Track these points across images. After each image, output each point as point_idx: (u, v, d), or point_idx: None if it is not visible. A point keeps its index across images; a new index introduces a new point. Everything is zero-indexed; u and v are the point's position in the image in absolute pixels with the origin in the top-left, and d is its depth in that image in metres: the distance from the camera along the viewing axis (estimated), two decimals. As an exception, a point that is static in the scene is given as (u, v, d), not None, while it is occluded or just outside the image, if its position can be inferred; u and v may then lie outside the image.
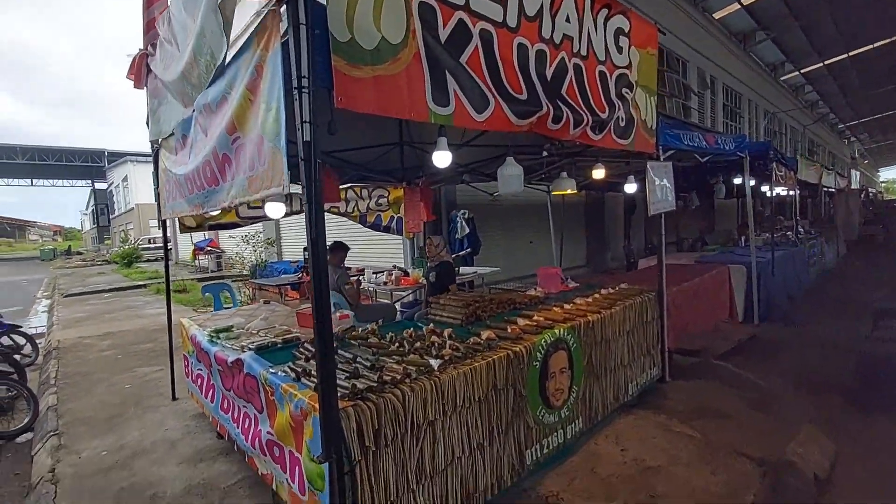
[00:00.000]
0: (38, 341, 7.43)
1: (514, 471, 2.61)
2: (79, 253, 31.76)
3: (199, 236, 17.69)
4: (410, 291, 5.98)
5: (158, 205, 4.05)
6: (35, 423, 4.04)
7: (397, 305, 5.89)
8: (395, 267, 6.38)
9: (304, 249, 9.00)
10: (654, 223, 4.21)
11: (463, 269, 7.06)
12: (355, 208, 6.05)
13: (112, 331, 7.26)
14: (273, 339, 2.87)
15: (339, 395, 1.94)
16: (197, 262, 16.66)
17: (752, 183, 6.27)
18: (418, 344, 2.64)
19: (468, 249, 8.18)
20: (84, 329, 7.56)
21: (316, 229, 1.74)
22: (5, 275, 20.27)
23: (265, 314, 3.95)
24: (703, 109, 16.18)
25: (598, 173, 4.44)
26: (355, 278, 5.28)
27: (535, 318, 3.20)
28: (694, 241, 10.97)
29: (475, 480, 2.37)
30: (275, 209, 3.99)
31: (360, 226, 6.50)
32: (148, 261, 22.76)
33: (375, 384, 2.04)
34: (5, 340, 6.01)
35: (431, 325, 3.07)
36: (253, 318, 3.66)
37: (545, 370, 2.84)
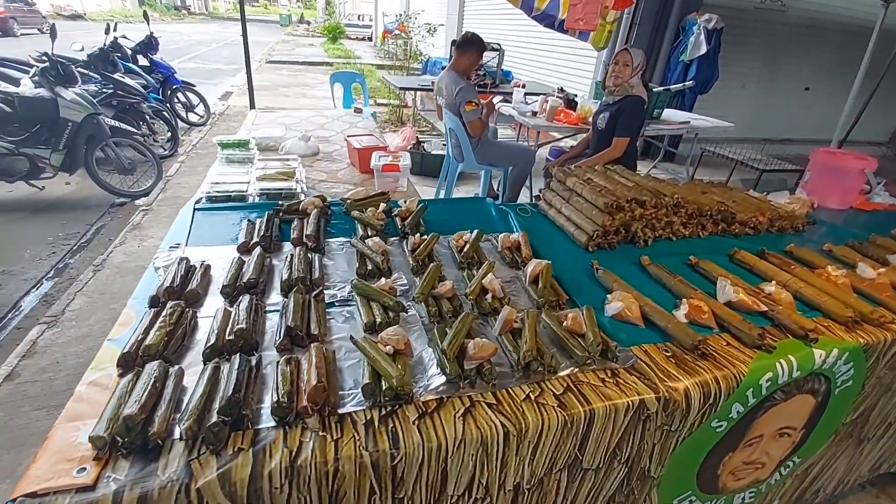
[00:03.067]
0: (224, 102, 8.05)
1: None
2: (308, 22, 34.59)
3: (390, 18, 16.64)
4: (567, 133, 4.06)
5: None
6: (153, 189, 4.10)
7: (542, 150, 4.13)
8: (559, 90, 4.33)
9: (453, 43, 7.16)
10: None
11: (669, 114, 4.57)
12: (520, -17, 3.88)
13: (273, 106, 7.26)
14: (240, 190, 1.73)
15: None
16: (385, 45, 15.98)
17: None
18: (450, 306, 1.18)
19: (691, 81, 5.27)
20: (257, 99, 7.76)
21: None
22: (249, 34, 23.22)
23: (335, 131, 2.81)
24: None
25: None
26: (489, 99, 3.60)
27: (778, 290, 1.34)
28: None
29: None
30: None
31: (534, 23, 4.32)
32: (356, 39, 23.26)
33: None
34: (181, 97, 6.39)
35: (518, 235, 1.50)
36: (304, 133, 2.55)
37: (737, 435, 1.16)
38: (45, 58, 3.80)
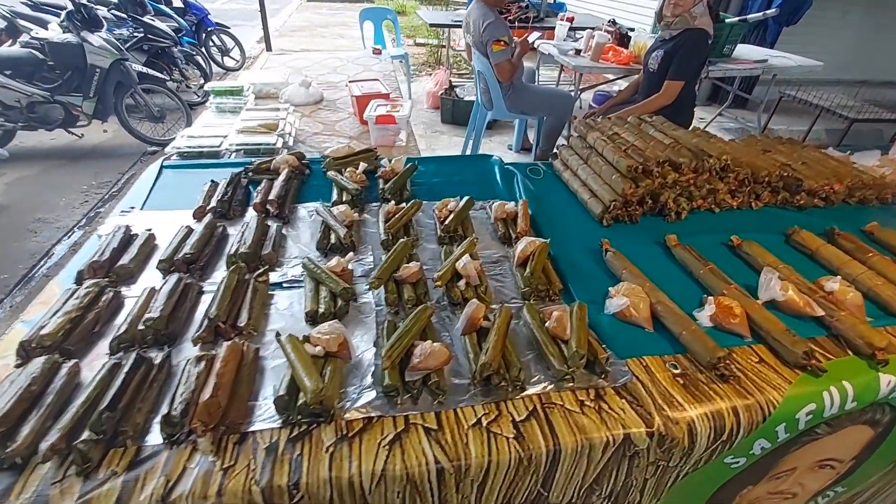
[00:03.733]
0: (261, 45, 7.84)
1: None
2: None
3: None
4: (618, 75, 3.55)
5: None
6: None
7: (587, 96, 3.64)
8: (610, 23, 3.75)
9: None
10: None
11: (743, 50, 3.87)
12: None
13: (309, 48, 7.00)
14: (214, 145, 1.57)
15: None
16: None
17: None
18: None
19: (774, 10, 4.41)
20: (290, 41, 7.54)
21: None
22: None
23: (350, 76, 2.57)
24: None
25: None
26: (524, 37, 3.14)
27: (843, 288, 1.03)
28: None
29: None
30: None
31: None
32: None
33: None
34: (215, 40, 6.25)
35: (517, 204, 1.26)
36: (304, 78, 2.32)
37: (761, 470, 0.93)
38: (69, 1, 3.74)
